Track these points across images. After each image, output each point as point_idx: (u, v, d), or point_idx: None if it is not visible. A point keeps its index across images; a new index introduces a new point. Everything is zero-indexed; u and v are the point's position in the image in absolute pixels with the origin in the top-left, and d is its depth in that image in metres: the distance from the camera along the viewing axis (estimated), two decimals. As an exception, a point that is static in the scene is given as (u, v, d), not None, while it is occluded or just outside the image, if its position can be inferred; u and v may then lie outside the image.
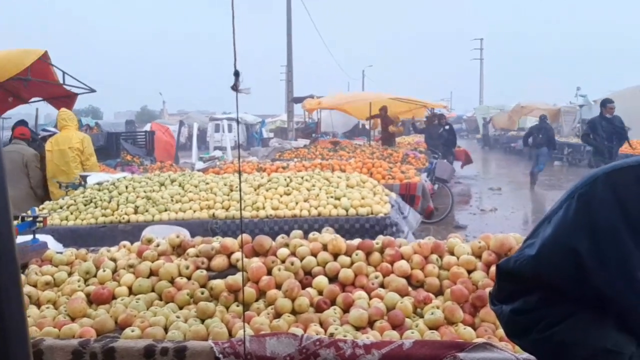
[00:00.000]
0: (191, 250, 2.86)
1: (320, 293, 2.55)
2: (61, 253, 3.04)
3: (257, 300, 2.55)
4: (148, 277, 2.70)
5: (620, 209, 1.04)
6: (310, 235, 2.93)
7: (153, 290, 2.63)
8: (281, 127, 31.51)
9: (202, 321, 2.35)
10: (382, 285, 2.58)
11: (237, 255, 2.78)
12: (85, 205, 5.34)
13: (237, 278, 2.55)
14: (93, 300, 2.57)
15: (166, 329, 2.24)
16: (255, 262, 2.68)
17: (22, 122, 7.85)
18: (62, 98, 8.37)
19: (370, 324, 2.28)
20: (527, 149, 18.31)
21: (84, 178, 6.26)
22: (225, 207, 5.16)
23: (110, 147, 12.74)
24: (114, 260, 2.90)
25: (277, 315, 2.39)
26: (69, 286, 2.68)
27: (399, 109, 15.98)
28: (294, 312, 2.40)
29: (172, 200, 5.31)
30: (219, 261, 2.75)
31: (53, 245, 3.47)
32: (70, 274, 2.87)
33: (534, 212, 11.34)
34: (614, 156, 9.47)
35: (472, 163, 17.78)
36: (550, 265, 1.10)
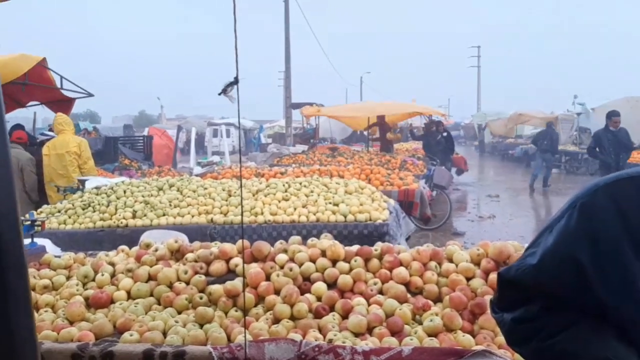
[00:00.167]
0: (190, 255, 2.86)
1: (319, 299, 2.55)
2: (59, 257, 3.04)
3: (255, 305, 2.55)
4: (146, 282, 2.70)
5: (621, 219, 1.04)
6: (309, 241, 2.92)
7: (151, 295, 2.63)
8: (279, 132, 31.53)
9: (201, 326, 2.34)
10: (380, 292, 2.58)
11: (236, 260, 2.77)
12: (83, 209, 5.34)
13: (236, 283, 2.55)
14: (91, 304, 2.57)
15: (165, 334, 2.24)
16: (254, 268, 2.68)
17: (19, 126, 7.86)
18: (60, 102, 8.37)
19: (369, 330, 2.28)
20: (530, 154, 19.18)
21: (82, 182, 6.26)
22: (223, 213, 5.17)
23: (108, 152, 12.73)
24: (112, 264, 2.89)
25: (276, 320, 2.38)
26: (68, 290, 2.67)
27: (398, 119, 15.99)
28: (292, 317, 2.40)
29: (170, 205, 5.31)
30: (218, 266, 2.74)
31: (51, 249, 3.47)
32: (68, 278, 2.87)
33: (532, 219, 11.36)
34: (620, 170, 9.37)
35: (467, 171, 17.81)
36: (551, 274, 1.10)
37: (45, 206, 5.73)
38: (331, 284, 2.64)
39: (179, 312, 2.50)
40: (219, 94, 1.61)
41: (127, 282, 2.68)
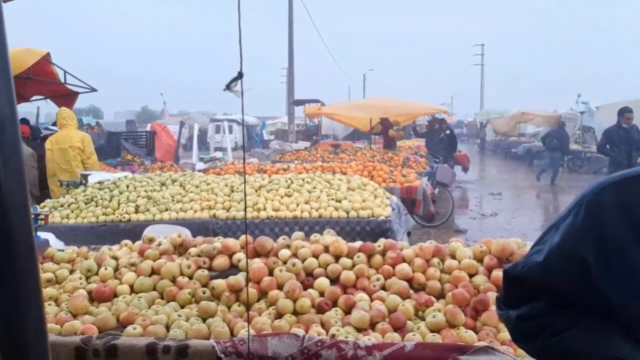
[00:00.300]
0: (193, 250, 2.86)
1: (321, 294, 2.55)
2: (63, 251, 3.05)
3: (258, 300, 2.55)
4: (150, 276, 2.70)
5: (627, 217, 1.04)
6: (312, 237, 2.93)
7: (154, 289, 2.64)
8: (282, 129, 31.55)
9: (204, 320, 2.35)
10: (383, 288, 2.58)
11: (239, 255, 2.78)
12: (86, 204, 5.35)
13: (239, 278, 2.56)
14: (95, 297, 2.57)
15: (168, 328, 2.24)
16: (257, 263, 2.68)
17: (23, 120, 7.86)
18: (63, 97, 8.39)
19: (372, 325, 2.28)
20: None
21: (84, 177, 6.27)
22: (226, 208, 5.17)
23: (111, 147, 12.76)
24: (115, 258, 2.90)
25: (279, 315, 2.39)
26: (71, 283, 2.68)
27: (401, 117, 15.96)
28: (295, 312, 2.40)
29: (173, 200, 5.31)
30: (221, 261, 2.75)
31: (54, 243, 3.48)
32: (71, 272, 2.88)
33: (535, 217, 11.35)
34: (631, 168, 9.19)
35: (468, 169, 17.83)
36: (557, 272, 1.10)
37: (48, 200, 5.74)
38: (334, 280, 2.64)
39: (182, 307, 2.50)
40: (224, 90, 1.61)
41: (130, 276, 2.69)
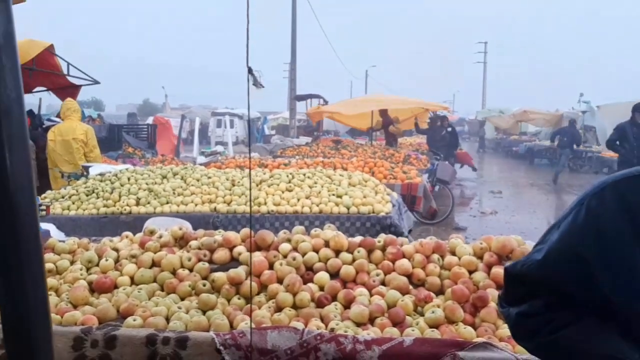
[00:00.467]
0: (193, 243, 2.87)
1: (321, 289, 2.56)
2: (64, 242, 3.06)
3: (258, 293, 2.56)
4: (150, 268, 2.71)
5: (628, 217, 1.04)
6: (313, 231, 2.93)
7: (155, 281, 2.64)
8: (283, 124, 31.48)
9: (204, 313, 2.36)
10: (383, 283, 2.58)
11: (239, 248, 2.78)
12: (87, 195, 5.36)
13: (239, 271, 2.56)
14: (95, 288, 2.58)
15: (168, 320, 2.25)
16: (258, 257, 2.69)
17: (28, 112, 7.85)
18: (66, 89, 8.39)
19: (371, 320, 2.29)
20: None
21: (86, 168, 6.28)
22: (226, 202, 5.18)
23: (112, 139, 12.76)
24: (116, 250, 2.91)
25: (279, 309, 2.40)
26: (71, 274, 2.69)
27: (400, 113, 15.96)
28: (295, 306, 2.41)
29: (174, 193, 5.32)
30: (221, 254, 2.75)
31: (55, 234, 3.49)
32: (72, 263, 2.88)
33: (535, 216, 11.35)
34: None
35: (475, 169, 17.83)
36: (557, 270, 1.11)
37: (49, 192, 5.75)
38: (334, 274, 2.65)
39: (182, 299, 2.51)
40: (253, 84, 1.61)
41: (130, 267, 2.70)
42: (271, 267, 2.66)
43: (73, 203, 5.25)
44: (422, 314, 2.36)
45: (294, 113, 25.50)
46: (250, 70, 1.60)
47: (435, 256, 2.69)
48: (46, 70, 7.54)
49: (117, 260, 2.82)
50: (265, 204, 5.07)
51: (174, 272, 2.66)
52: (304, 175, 5.74)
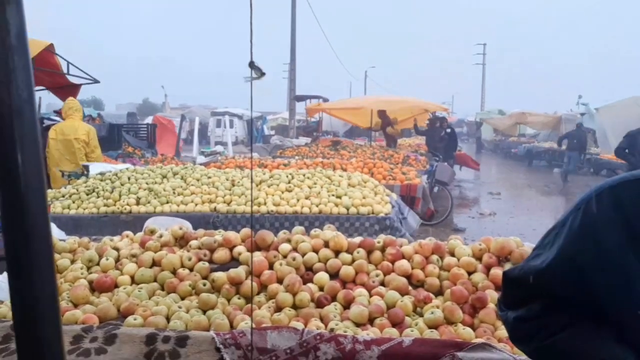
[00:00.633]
0: (194, 242, 2.88)
1: (321, 289, 2.57)
2: (64, 241, 3.06)
3: (258, 293, 2.57)
4: (150, 267, 2.72)
5: (623, 222, 1.05)
6: (312, 231, 2.94)
7: (155, 280, 2.65)
8: (282, 124, 31.47)
9: (204, 312, 2.37)
10: (382, 284, 2.60)
11: (239, 248, 2.79)
12: (87, 194, 5.37)
13: (239, 271, 2.57)
14: (96, 288, 2.59)
15: (168, 319, 2.26)
16: (258, 256, 2.70)
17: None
18: (66, 88, 8.40)
19: (371, 321, 2.30)
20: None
21: (86, 168, 6.28)
22: (226, 202, 5.19)
23: (112, 138, 12.73)
24: (116, 249, 2.91)
25: (278, 309, 2.41)
26: (72, 273, 2.70)
27: (400, 114, 15.98)
28: (294, 306, 2.42)
29: (174, 193, 5.33)
30: (221, 254, 2.76)
31: (56, 233, 3.50)
32: (72, 262, 2.89)
33: (533, 217, 11.36)
34: None
35: (478, 169, 17.83)
36: (553, 275, 1.12)
37: (49, 190, 5.75)
38: (333, 275, 2.66)
39: (182, 298, 2.52)
40: (256, 76, 1.62)
41: (131, 267, 2.71)
42: (271, 267, 2.67)
43: (73, 202, 5.26)
44: (421, 315, 2.37)
45: (294, 113, 25.50)
46: (252, 64, 1.60)
47: (435, 257, 2.70)
48: (46, 70, 7.55)
49: (117, 260, 2.83)
50: (265, 204, 5.08)
51: (174, 272, 2.67)
52: (304, 175, 5.76)
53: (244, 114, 30.11)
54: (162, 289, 2.60)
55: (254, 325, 2.14)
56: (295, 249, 2.78)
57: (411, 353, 1.90)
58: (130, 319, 2.21)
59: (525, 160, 24.12)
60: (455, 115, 52.43)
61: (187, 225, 3.24)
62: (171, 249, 2.87)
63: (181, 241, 2.98)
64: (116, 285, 2.62)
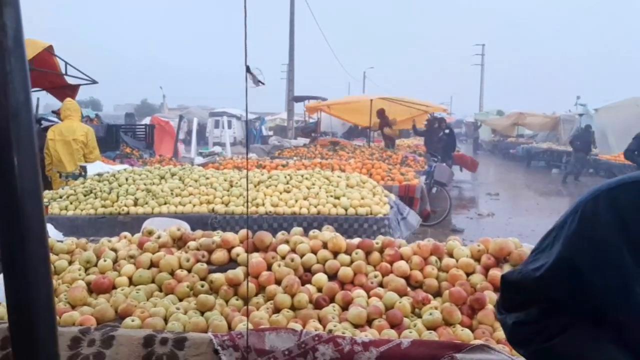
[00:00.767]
0: (192, 244, 2.88)
1: (319, 290, 2.57)
2: (62, 242, 3.06)
3: (256, 295, 2.56)
4: (148, 269, 2.71)
5: (621, 225, 1.05)
6: (311, 232, 2.94)
7: (153, 282, 2.65)
8: (281, 125, 31.47)
9: (202, 314, 2.36)
10: (381, 285, 2.59)
11: (238, 249, 2.79)
12: (85, 195, 5.36)
13: (237, 272, 2.57)
14: (93, 289, 2.58)
15: (166, 320, 2.25)
16: (256, 258, 2.69)
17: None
18: (64, 89, 8.39)
19: (369, 322, 2.30)
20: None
21: (84, 169, 6.27)
22: (224, 202, 5.18)
23: (110, 139, 12.70)
24: (114, 250, 2.91)
25: (277, 310, 2.40)
26: (70, 275, 2.69)
27: (399, 115, 15.99)
28: (293, 308, 2.42)
29: (172, 194, 5.32)
30: (220, 255, 2.76)
31: (53, 234, 3.49)
32: (70, 263, 2.89)
33: (532, 218, 11.36)
34: None
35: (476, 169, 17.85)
36: (551, 278, 1.12)
37: (47, 191, 5.74)
38: (332, 276, 2.66)
39: (180, 300, 2.51)
40: (252, 83, 1.62)
41: (129, 268, 2.70)
42: (269, 268, 2.66)
43: (71, 203, 5.25)
44: (419, 316, 2.37)
45: (292, 114, 25.50)
46: (248, 69, 1.60)
47: (433, 258, 2.70)
48: (45, 70, 7.54)
49: (115, 261, 2.83)
50: (264, 205, 5.07)
51: (172, 273, 2.67)
52: (302, 176, 5.75)
53: (242, 114, 30.08)
54: (160, 290, 2.60)
55: (252, 327, 2.13)
56: (293, 250, 2.77)
57: (409, 354, 1.90)
58: (127, 320, 2.20)
59: (523, 161, 24.13)
60: (454, 115, 52.45)
61: (185, 226, 3.23)
62: (169, 250, 2.86)
63: (179, 242, 2.98)
64: (114, 287, 2.62)
